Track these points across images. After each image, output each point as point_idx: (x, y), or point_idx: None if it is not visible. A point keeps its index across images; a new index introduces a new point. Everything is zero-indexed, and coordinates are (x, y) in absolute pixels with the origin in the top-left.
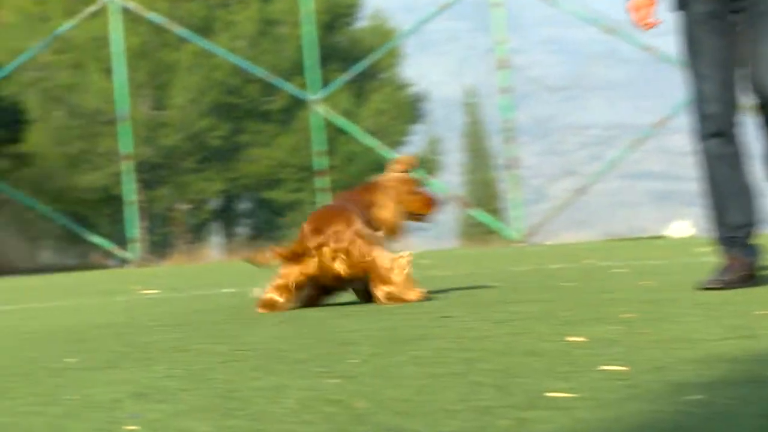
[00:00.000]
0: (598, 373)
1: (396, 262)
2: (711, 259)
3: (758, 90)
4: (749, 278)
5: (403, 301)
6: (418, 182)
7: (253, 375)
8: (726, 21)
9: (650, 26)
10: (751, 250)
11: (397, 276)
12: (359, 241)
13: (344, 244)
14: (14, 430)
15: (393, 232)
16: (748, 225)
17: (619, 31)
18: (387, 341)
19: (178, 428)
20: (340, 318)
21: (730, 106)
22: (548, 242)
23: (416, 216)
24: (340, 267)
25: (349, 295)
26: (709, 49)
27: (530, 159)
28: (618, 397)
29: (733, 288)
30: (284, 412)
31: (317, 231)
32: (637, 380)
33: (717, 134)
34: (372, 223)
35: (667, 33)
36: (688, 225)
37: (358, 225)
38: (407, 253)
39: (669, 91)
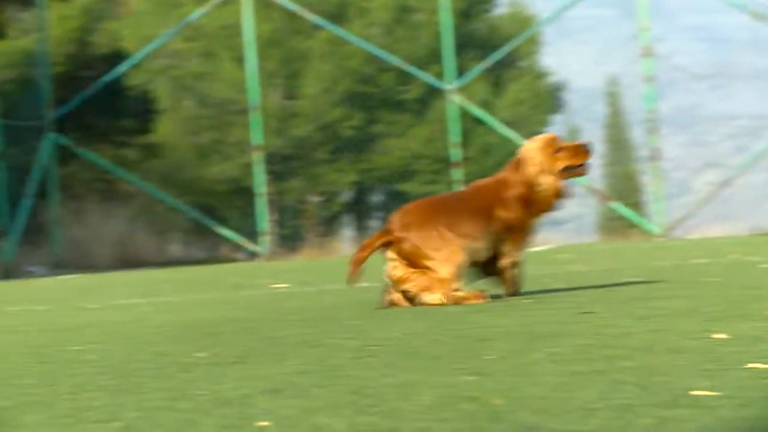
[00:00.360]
0: (744, 371)
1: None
2: None
3: None
4: None
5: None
6: (560, 139)
7: (386, 371)
8: None
9: None
10: None
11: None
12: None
13: (410, 244)
14: (143, 425)
15: (518, 228)
16: None
17: (767, 17)
18: (524, 338)
19: (311, 425)
20: (474, 313)
21: None
22: (691, 237)
23: (572, 170)
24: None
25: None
26: None
27: (673, 150)
28: (763, 395)
29: None
30: (419, 409)
31: (405, 226)
32: None
33: None
34: (486, 216)
35: None
36: None
37: (443, 222)
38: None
39: None
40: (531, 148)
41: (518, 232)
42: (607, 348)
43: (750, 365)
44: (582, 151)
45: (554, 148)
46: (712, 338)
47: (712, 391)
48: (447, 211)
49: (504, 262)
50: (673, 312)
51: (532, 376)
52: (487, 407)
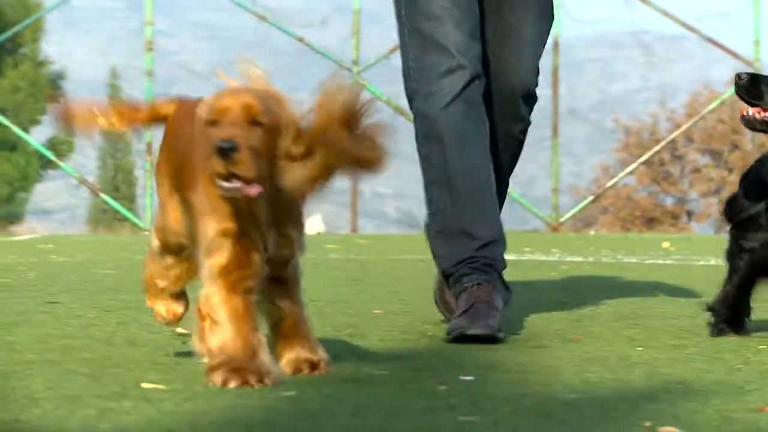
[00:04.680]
0: (195, 366)
1: None
2: (337, 256)
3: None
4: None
5: None
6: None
7: None
8: None
9: None
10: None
11: None
12: None
13: None
14: None
15: None
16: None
17: (271, 19)
18: None
19: None
20: None
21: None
22: None
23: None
24: None
25: None
26: None
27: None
28: (210, 390)
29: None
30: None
31: None
32: None
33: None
34: None
35: (321, 23)
36: (318, 221)
37: None
38: None
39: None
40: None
41: None
42: (67, 338)
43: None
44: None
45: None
46: (175, 332)
47: (161, 384)
48: None
49: None
50: (140, 305)
51: None
52: None
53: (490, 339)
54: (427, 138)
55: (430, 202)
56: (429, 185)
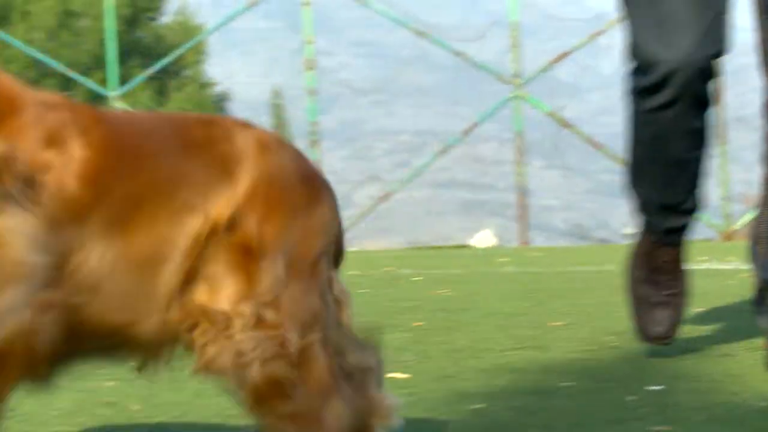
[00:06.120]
0: (385, 380)
1: None
2: (511, 269)
3: None
4: None
5: None
6: None
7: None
8: None
9: None
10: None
11: None
12: None
13: None
14: None
15: None
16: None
17: (429, 35)
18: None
19: None
20: None
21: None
22: (350, 249)
23: None
24: None
25: None
26: None
27: (335, 164)
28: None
29: None
30: (56, 414)
31: None
32: (421, 389)
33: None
34: None
35: (479, 38)
36: (490, 234)
37: None
38: None
39: (479, 99)
40: None
41: None
42: None
43: (391, 375)
44: None
45: None
46: None
47: None
48: None
49: None
50: None
51: (173, 382)
52: (124, 412)
53: None
54: (636, 122)
55: (631, 159)
56: (632, 146)
